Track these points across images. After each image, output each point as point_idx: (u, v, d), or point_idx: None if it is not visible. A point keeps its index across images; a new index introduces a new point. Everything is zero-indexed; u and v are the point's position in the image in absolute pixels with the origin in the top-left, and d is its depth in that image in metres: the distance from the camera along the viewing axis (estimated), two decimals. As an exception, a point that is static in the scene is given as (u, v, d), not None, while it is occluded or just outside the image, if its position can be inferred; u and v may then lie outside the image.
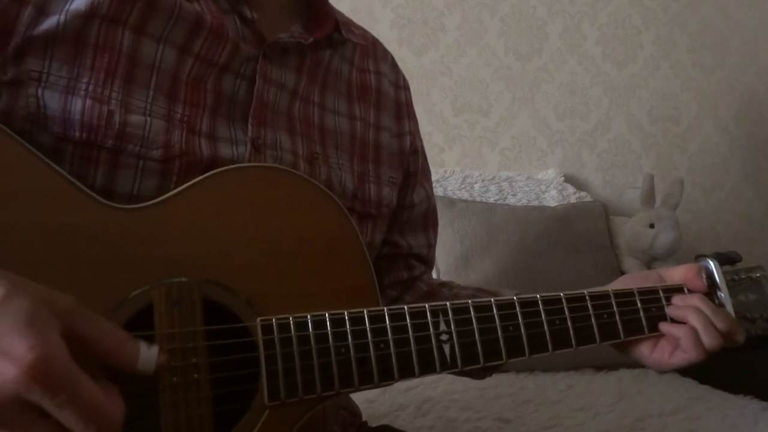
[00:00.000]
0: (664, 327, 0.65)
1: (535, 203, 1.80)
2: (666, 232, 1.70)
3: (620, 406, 1.22)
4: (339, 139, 0.68)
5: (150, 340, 0.46)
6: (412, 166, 0.78)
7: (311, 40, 0.65)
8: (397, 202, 0.75)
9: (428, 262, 0.83)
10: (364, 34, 0.77)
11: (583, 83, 2.03)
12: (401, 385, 1.24)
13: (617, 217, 1.85)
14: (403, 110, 0.78)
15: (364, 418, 0.78)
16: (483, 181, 1.80)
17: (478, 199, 1.75)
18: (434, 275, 1.59)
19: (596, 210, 1.77)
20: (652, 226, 1.72)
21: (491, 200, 1.76)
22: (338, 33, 0.69)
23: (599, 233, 1.73)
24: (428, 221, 0.81)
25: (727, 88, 2.17)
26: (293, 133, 0.63)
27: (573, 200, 1.82)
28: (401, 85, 0.79)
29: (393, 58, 0.80)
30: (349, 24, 0.75)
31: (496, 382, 1.33)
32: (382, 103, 0.75)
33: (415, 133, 0.79)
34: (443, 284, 0.81)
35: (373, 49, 0.76)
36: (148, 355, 0.42)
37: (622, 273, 1.74)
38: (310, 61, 0.66)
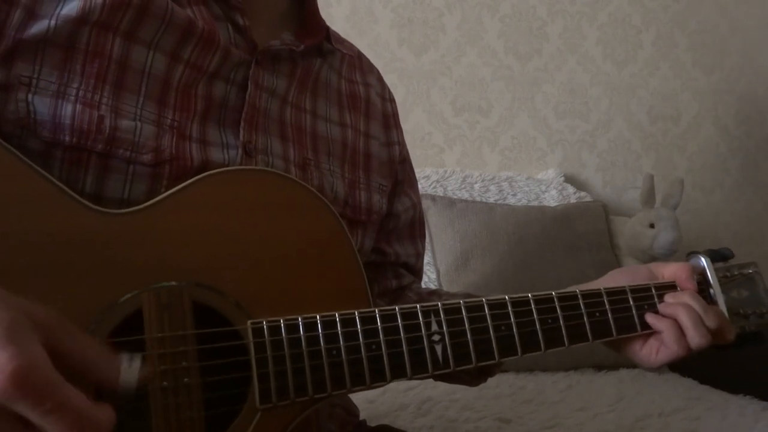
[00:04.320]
0: (649, 318, 0.65)
1: (535, 203, 1.80)
2: (666, 232, 1.70)
3: (620, 406, 1.22)
4: (331, 146, 0.68)
5: (140, 344, 0.46)
6: (400, 174, 0.79)
7: (302, 47, 0.65)
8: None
9: (417, 272, 0.83)
10: (351, 46, 0.78)
11: (583, 83, 2.03)
12: (401, 385, 1.24)
13: (617, 217, 1.84)
14: (390, 121, 0.79)
15: (362, 417, 0.78)
16: (483, 181, 1.79)
17: (478, 199, 1.75)
18: (434, 275, 1.60)
19: (596, 210, 1.77)
20: (652, 226, 1.72)
21: (491, 200, 1.76)
22: (328, 43, 0.70)
23: (599, 233, 1.72)
24: (415, 231, 0.81)
25: (727, 88, 2.17)
26: (285, 138, 0.63)
27: (573, 200, 1.82)
28: (387, 97, 0.80)
29: (379, 72, 0.81)
30: (338, 36, 0.76)
31: (497, 382, 1.33)
32: (371, 112, 0.75)
33: (402, 143, 0.80)
34: (433, 293, 0.81)
35: (359, 62, 0.77)
36: (129, 371, 0.41)
37: (622, 273, 1.74)
38: (301, 69, 0.67)
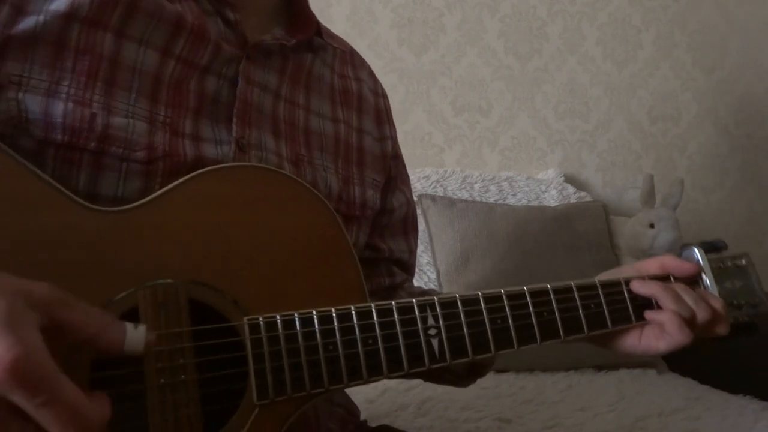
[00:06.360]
0: (649, 314, 0.65)
1: (535, 203, 1.80)
2: (666, 232, 1.70)
3: (620, 406, 1.21)
4: (324, 141, 0.68)
5: None
6: (393, 170, 0.79)
7: (293, 41, 0.65)
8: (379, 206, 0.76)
9: (409, 268, 0.83)
10: (343, 42, 0.78)
11: (583, 83, 2.03)
12: (401, 385, 1.24)
13: (617, 217, 1.84)
14: (383, 116, 0.78)
15: (363, 418, 0.78)
16: (483, 181, 1.79)
17: (478, 199, 1.75)
18: (434, 275, 1.60)
19: (596, 210, 1.77)
20: (652, 226, 1.72)
21: (491, 200, 1.76)
22: (319, 38, 0.70)
23: (599, 233, 1.72)
24: (408, 226, 0.82)
25: (727, 88, 2.17)
26: (278, 134, 0.63)
27: (573, 200, 1.82)
28: (380, 92, 0.80)
29: (370, 68, 0.81)
30: (329, 31, 0.75)
31: (497, 382, 1.33)
32: (364, 107, 0.75)
33: (395, 139, 0.80)
34: (425, 292, 0.81)
35: (351, 58, 0.77)
36: (134, 335, 0.41)
37: (622, 273, 1.74)
38: (292, 64, 0.67)
